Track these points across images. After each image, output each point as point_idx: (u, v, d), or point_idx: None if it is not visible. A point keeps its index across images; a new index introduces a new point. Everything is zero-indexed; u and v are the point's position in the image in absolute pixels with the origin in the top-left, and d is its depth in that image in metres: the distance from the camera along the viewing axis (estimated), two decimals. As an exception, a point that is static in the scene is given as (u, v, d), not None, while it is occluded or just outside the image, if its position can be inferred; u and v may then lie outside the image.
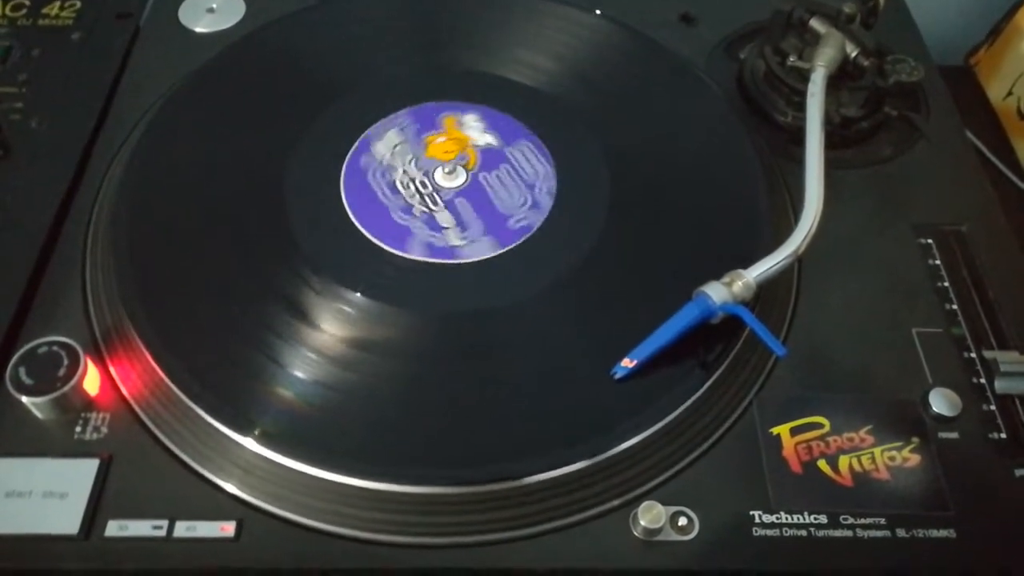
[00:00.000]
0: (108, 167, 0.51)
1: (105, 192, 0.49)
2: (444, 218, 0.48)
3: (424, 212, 0.48)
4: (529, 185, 0.48)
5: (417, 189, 0.49)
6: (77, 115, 0.53)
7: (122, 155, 0.51)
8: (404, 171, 0.49)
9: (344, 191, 0.49)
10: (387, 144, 0.50)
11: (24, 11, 0.59)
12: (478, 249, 0.46)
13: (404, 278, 0.45)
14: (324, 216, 0.48)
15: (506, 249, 0.46)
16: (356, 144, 0.51)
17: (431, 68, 0.55)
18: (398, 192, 0.49)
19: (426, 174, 0.50)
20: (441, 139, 0.50)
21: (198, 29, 0.59)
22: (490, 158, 0.50)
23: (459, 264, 0.46)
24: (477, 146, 0.51)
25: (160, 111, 0.52)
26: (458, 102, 0.53)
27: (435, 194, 0.49)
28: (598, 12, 0.57)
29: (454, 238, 0.46)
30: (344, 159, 0.50)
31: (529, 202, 0.48)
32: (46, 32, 0.58)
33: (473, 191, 0.49)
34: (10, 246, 0.46)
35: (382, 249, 0.46)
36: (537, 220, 0.47)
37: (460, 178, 0.50)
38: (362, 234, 0.47)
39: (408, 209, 0.48)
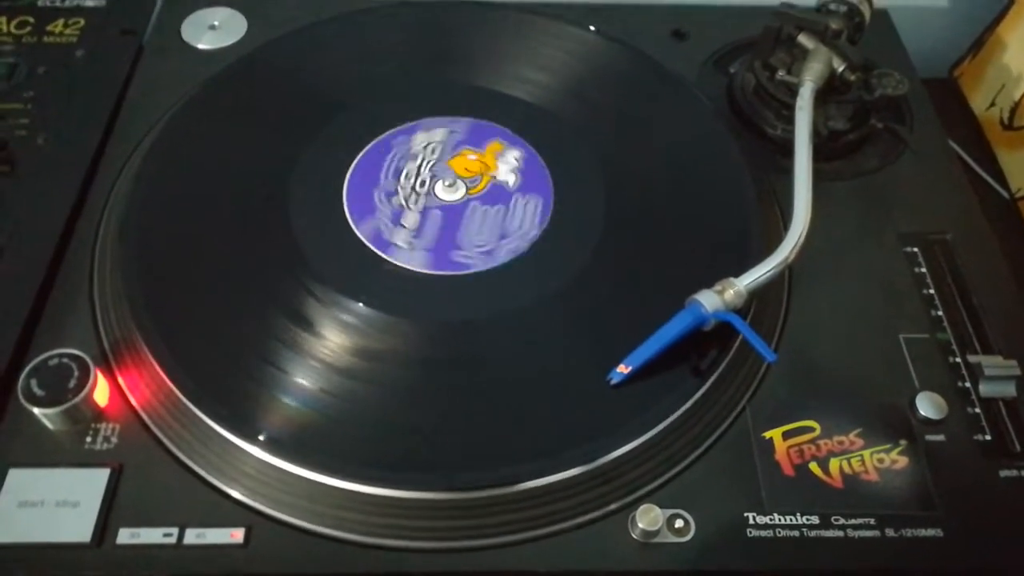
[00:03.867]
0: (114, 182, 0.52)
1: (112, 206, 0.50)
2: (410, 219, 0.49)
3: (400, 205, 0.49)
4: (502, 235, 0.48)
5: (414, 186, 0.50)
6: (82, 131, 0.54)
7: (127, 171, 0.52)
8: (419, 165, 0.51)
9: (347, 204, 0.50)
10: (429, 138, 0.52)
11: (29, 28, 0.60)
12: (410, 257, 0.47)
13: (406, 288, 0.46)
14: (328, 228, 0.49)
15: (498, 264, 0.48)
16: (358, 157, 0.52)
17: (432, 85, 0.57)
18: (398, 179, 0.50)
19: (432, 178, 0.51)
20: (473, 157, 0.51)
21: (201, 46, 0.60)
22: (496, 194, 0.51)
23: (460, 275, 0.47)
24: (495, 178, 0.51)
25: (165, 126, 0.53)
26: (511, 133, 0.54)
27: (423, 197, 0.50)
28: (592, 28, 0.58)
29: (401, 238, 0.48)
30: (347, 172, 0.52)
31: (486, 249, 0.48)
32: (51, 49, 0.59)
33: (454, 212, 0.50)
34: (19, 260, 0.47)
35: (385, 260, 0.48)
36: (479, 266, 0.47)
37: (455, 195, 0.51)
38: (366, 246, 0.48)
39: (391, 195, 0.49)
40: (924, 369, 0.46)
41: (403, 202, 0.50)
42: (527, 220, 0.49)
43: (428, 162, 0.52)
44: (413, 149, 0.52)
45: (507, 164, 0.51)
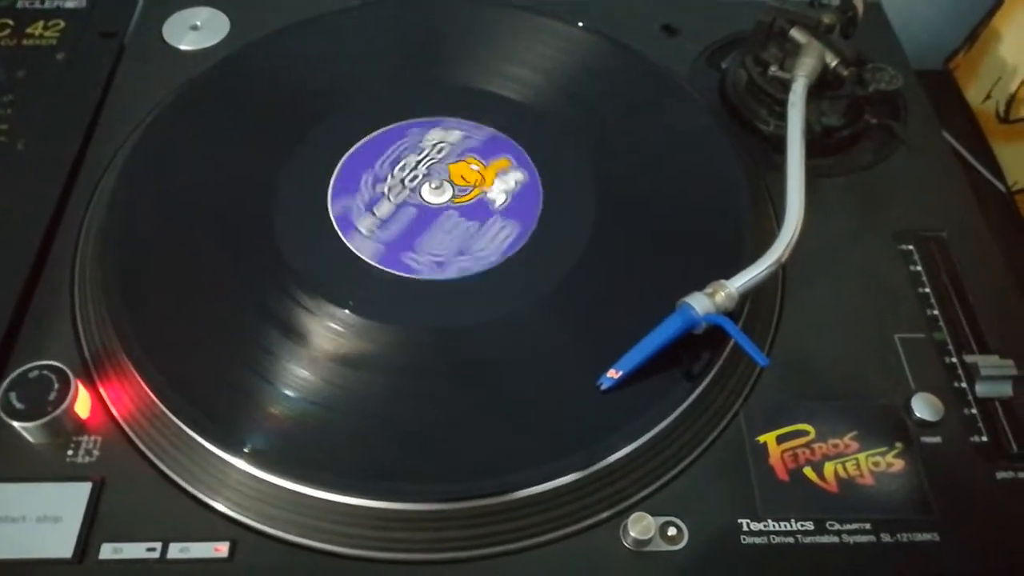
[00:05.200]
0: (95, 188, 0.51)
1: (92, 213, 0.50)
2: (383, 209, 0.49)
3: (381, 193, 0.49)
4: (459, 251, 0.47)
5: (404, 179, 0.50)
6: (63, 136, 0.53)
7: (109, 176, 0.51)
8: (420, 161, 0.51)
9: (331, 207, 0.49)
10: (443, 137, 0.52)
11: (8, 31, 0.59)
12: (363, 245, 0.47)
13: (392, 294, 0.46)
14: (312, 233, 0.48)
15: (492, 266, 0.47)
16: (342, 160, 0.51)
17: (417, 85, 0.56)
18: (393, 168, 0.50)
19: (424, 176, 0.50)
20: (475, 167, 0.50)
21: (183, 47, 0.59)
22: (478, 210, 0.49)
23: (447, 280, 0.46)
24: (485, 194, 0.50)
25: (146, 131, 0.52)
26: (523, 153, 0.52)
27: (406, 192, 0.49)
28: (580, 24, 0.57)
29: (365, 224, 0.48)
30: (332, 175, 0.51)
31: (439, 261, 0.47)
32: (30, 52, 0.58)
33: (429, 214, 0.49)
34: (-2, 270, 0.46)
35: (371, 266, 0.47)
36: (428, 275, 0.46)
37: (439, 198, 0.50)
38: (351, 251, 0.47)
39: (378, 182, 0.49)
40: (920, 370, 0.45)
41: (385, 191, 0.49)
42: (493, 245, 0.47)
43: (430, 160, 0.51)
44: (422, 143, 0.52)
45: (504, 184, 0.50)
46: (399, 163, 0.51)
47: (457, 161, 0.51)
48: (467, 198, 0.50)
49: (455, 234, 0.48)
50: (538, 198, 0.50)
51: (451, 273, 0.47)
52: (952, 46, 0.71)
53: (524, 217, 0.49)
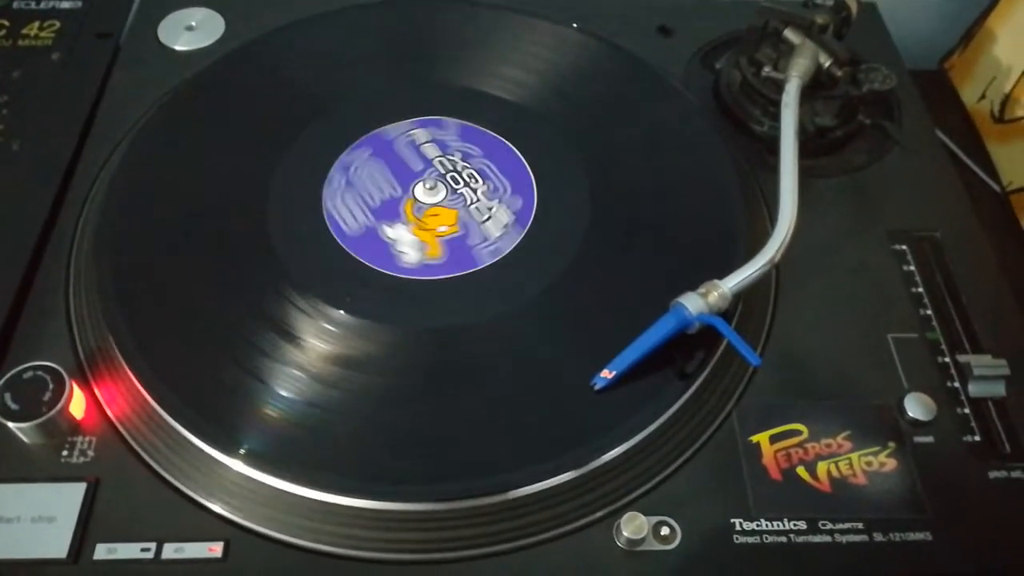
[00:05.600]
0: (90, 188, 0.51)
1: (87, 214, 0.50)
2: (379, 208, 0.49)
3: (376, 192, 0.50)
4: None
5: (440, 159, 0.51)
6: (58, 136, 0.53)
7: (104, 176, 0.51)
8: (446, 154, 0.52)
9: (325, 207, 0.49)
10: (438, 137, 0.53)
11: (4, 31, 0.59)
12: (356, 242, 0.48)
13: (387, 295, 0.46)
14: (307, 234, 0.48)
15: (482, 266, 0.47)
16: (337, 160, 0.52)
17: (411, 85, 0.56)
18: (389, 167, 0.51)
19: (451, 173, 0.51)
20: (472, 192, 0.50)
21: (178, 47, 0.59)
22: (458, 244, 0.48)
23: (441, 280, 0.46)
24: (450, 235, 0.49)
25: (141, 131, 0.52)
26: (513, 152, 0.53)
27: (398, 192, 0.50)
28: (575, 25, 0.58)
29: (359, 224, 0.48)
30: (327, 175, 0.51)
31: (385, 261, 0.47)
32: (26, 53, 0.58)
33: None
34: (-7, 270, 0.46)
35: (364, 266, 0.47)
36: (423, 275, 0.46)
37: (435, 197, 0.50)
38: (345, 251, 0.47)
39: (375, 180, 0.50)
40: (913, 369, 0.45)
41: (379, 190, 0.49)
42: (487, 244, 0.48)
43: (455, 161, 0.51)
44: (418, 144, 0.52)
45: (485, 209, 0.49)
46: (395, 163, 0.51)
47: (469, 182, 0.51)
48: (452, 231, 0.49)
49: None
50: (532, 198, 0.50)
51: (446, 273, 0.47)
52: (947, 46, 0.71)
53: (522, 188, 0.50)
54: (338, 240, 0.48)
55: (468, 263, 0.47)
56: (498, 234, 0.48)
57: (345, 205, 0.49)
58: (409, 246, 0.48)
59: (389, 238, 0.48)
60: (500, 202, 0.50)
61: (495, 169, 0.51)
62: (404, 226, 0.49)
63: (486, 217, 0.49)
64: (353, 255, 0.47)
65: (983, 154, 0.65)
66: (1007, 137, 0.64)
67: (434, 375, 0.43)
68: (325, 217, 0.49)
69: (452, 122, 0.54)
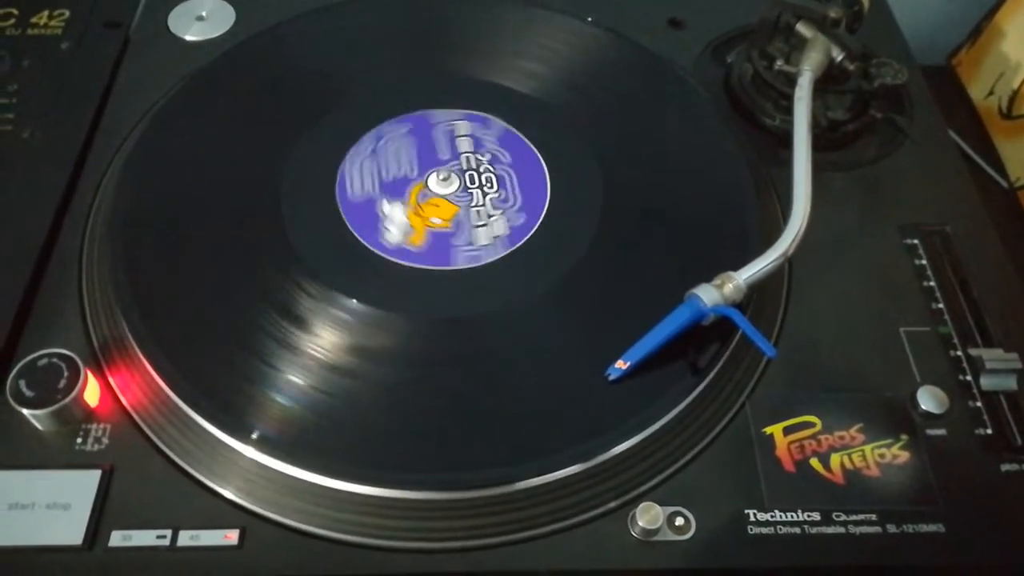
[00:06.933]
0: (101, 177, 0.51)
1: (100, 202, 0.50)
2: (392, 198, 0.50)
3: (388, 183, 0.50)
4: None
5: (468, 155, 0.51)
6: (69, 125, 0.53)
7: (116, 164, 0.51)
8: (477, 152, 0.52)
9: (339, 197, 0.49)
10: (452, 128, 0.53)
11: (13, 21, 0.59)
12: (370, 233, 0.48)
13: (400, 284, 0.46)
14: (320, 222, 0.48)
15: (504, 254, 0.47)
16: (350, 148, 0.52)
17: (425, 77, 0.56)
18: (401, 158, 0.51)
19: (471, 171, 0.51)
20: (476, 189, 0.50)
21: (188, 37, 0.59)
22: (442, 239, 0.48)
23: (454, 270, 0.46)
24: (440, 229, 0.48)
25: (152, 120, 0.52)
26: (526, 143, 0.53)
27: (473, 169, 0.51)
28: (590, 19, 0.58)
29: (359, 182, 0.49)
30: (340, 164, 0.51)
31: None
32: (35, 42, 0.57)
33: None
34: (6, 258, 0.46)
35: (376, 255, 0.47)
36: (435, 265, 0.47)
37: (445, 189, 0.50)
38: (339, 213, 0.48)
39: (388, 170, 0.50)
40: (925, 363, 0.45)
41: (392, 180, 0.50)
42: (499, 235, 0.48)
43: (478, 157, 0.51)
44: (431, 134, 0.52)
45: (486, 210, 0.49)
46: (424, 147, 0.51)
47: (480, 178, 0.51)
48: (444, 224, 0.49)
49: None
50: (545, 189, 0.50)
51: (419, 262, 0.47)
52: (955, 42, 0.72)
53: (531, 208, 0.49)
54: (337, 200, 0.48)
55: (443, 260, 0.47)
56: (484, 243, 0.48)
57: (360, 171, 0.50)
58: (397, 227, 0.48)
59: (383, 213, 0.48)
60: (503, 213, 0.49)
61: (515, 180, 0.51)
62: (402, 207, 0.49)
63: (482, 223, 0.49)
64: (344, 218, 0.48)
65: (991, 150, 0.65)
66: (1015, 133, 0.64)
67: (447, 365, 0.43)
68: (339, 206, 0.49)
69: (498, 123, 0.53)
